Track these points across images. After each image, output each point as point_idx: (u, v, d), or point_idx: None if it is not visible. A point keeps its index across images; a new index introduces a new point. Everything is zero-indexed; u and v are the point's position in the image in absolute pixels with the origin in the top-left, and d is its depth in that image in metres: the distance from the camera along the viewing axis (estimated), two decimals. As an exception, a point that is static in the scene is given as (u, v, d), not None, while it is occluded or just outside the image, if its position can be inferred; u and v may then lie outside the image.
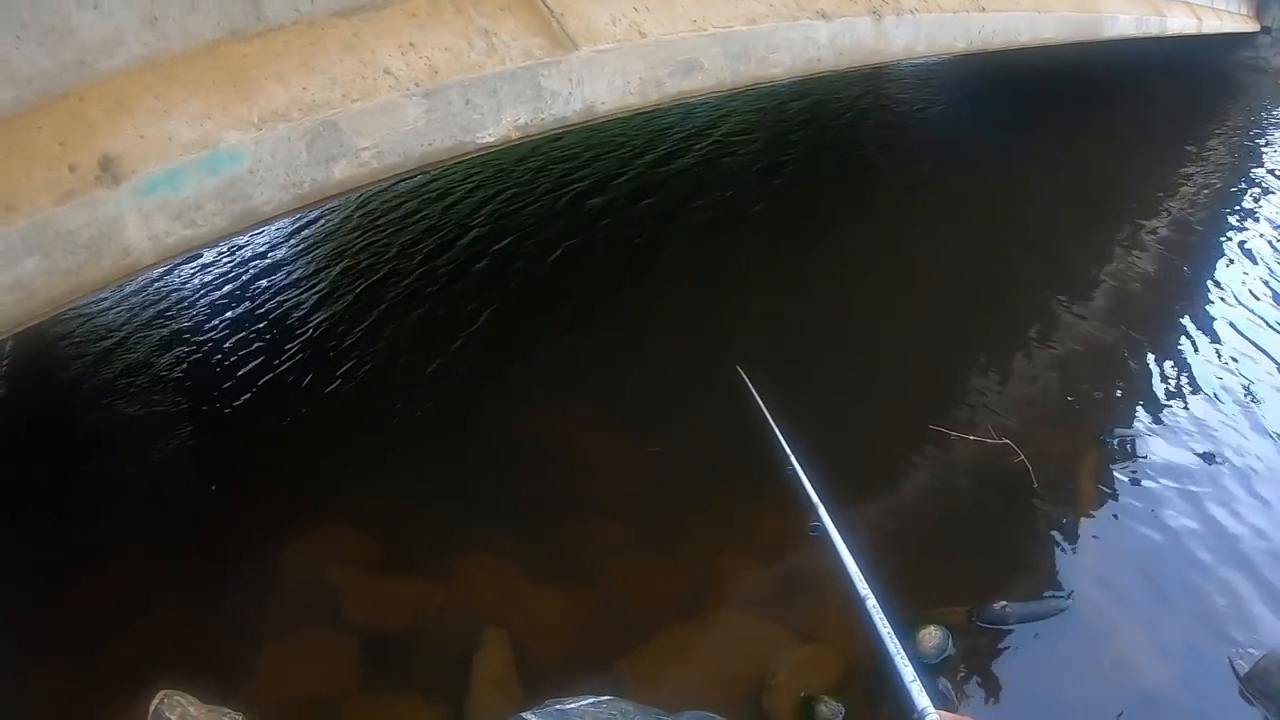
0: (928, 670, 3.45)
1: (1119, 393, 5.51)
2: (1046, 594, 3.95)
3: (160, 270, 5.76)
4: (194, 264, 6.58)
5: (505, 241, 6.90)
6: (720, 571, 3.89)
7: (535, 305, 5.98)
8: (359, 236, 7.18)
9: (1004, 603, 3.81)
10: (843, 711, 3.31)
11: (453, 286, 6.28)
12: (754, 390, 3.63)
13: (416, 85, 2.74)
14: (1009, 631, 3.77)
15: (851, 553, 2.12)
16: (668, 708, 3.09)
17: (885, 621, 1.85)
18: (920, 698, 1.61)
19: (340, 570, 3.67)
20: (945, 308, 6.12)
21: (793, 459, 2.86)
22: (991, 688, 3.57)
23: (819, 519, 2.37)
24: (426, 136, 2.73)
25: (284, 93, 2.63)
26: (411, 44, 2.85)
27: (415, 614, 3.57)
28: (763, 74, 3.74)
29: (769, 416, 3.30)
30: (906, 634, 3.54)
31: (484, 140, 2.83)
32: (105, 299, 5.88)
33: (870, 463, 4.57)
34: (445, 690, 3.28)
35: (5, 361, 5.18)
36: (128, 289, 6.01)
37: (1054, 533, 4.32)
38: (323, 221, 7.36)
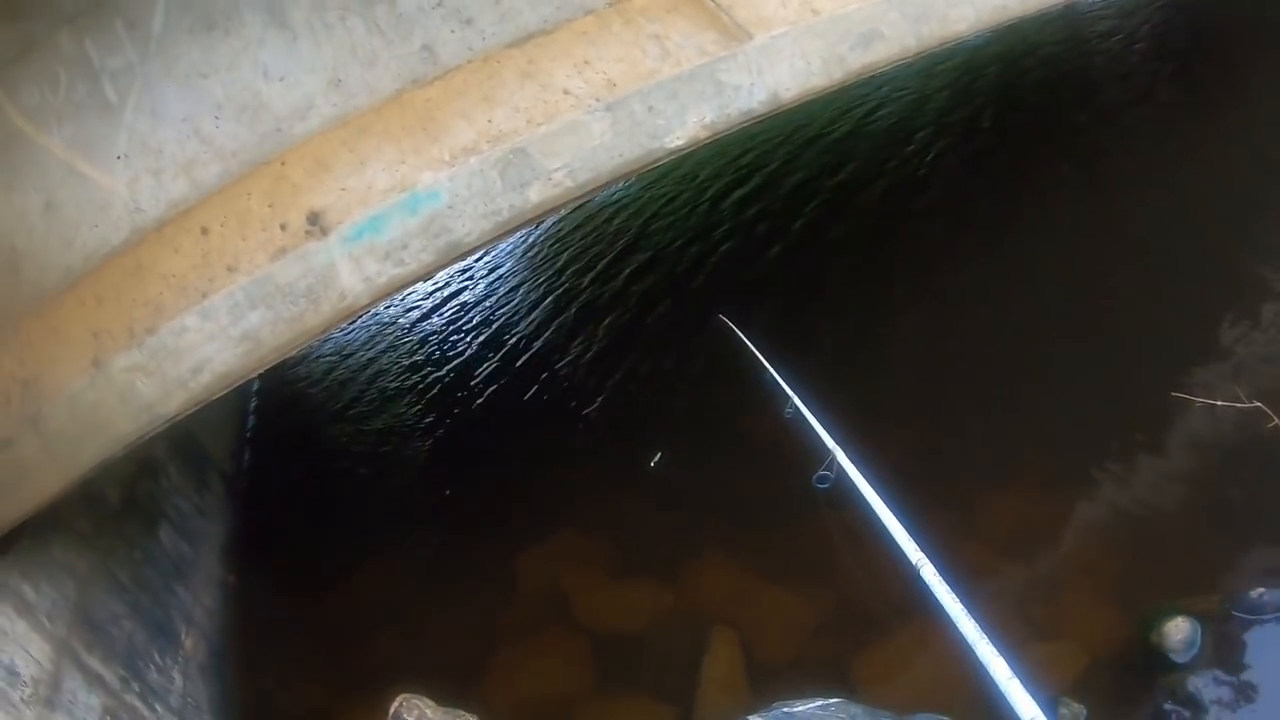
0: (1174, 669, 3.14)
1: None
2: None
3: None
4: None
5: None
6: (953, 567, 3.61)
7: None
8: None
9: (1262, 589, 3.34)
10: (1085, 713, 3.03)
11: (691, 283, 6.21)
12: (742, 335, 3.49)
13: (597, 100, 2.67)
14: (1269, 622, 3.29)
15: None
16: (900, 710, 2.91)
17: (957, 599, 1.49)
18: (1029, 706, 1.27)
19: (573, 576, 3.76)
20: (1177, 265, 5.56)
21: (799, 405, 2.54)
22: (1246, 688, 3.15)
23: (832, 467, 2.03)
24: (615, 149, 2.65)
25: (470, 129, 2.63)
26: (586, 61, 2.79)
27: (646, 616, 3.57)
28: (947, 31, 3.45)
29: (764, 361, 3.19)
30: (1151, 625, 3.24)
31: (673, 144, 2.72)
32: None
33: (1108, 436, 4.17)
34: (674, 691, 3.25)
35: (255, 395, 5.57)
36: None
37: None
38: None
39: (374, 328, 6.62)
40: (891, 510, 2.92)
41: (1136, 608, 3.35)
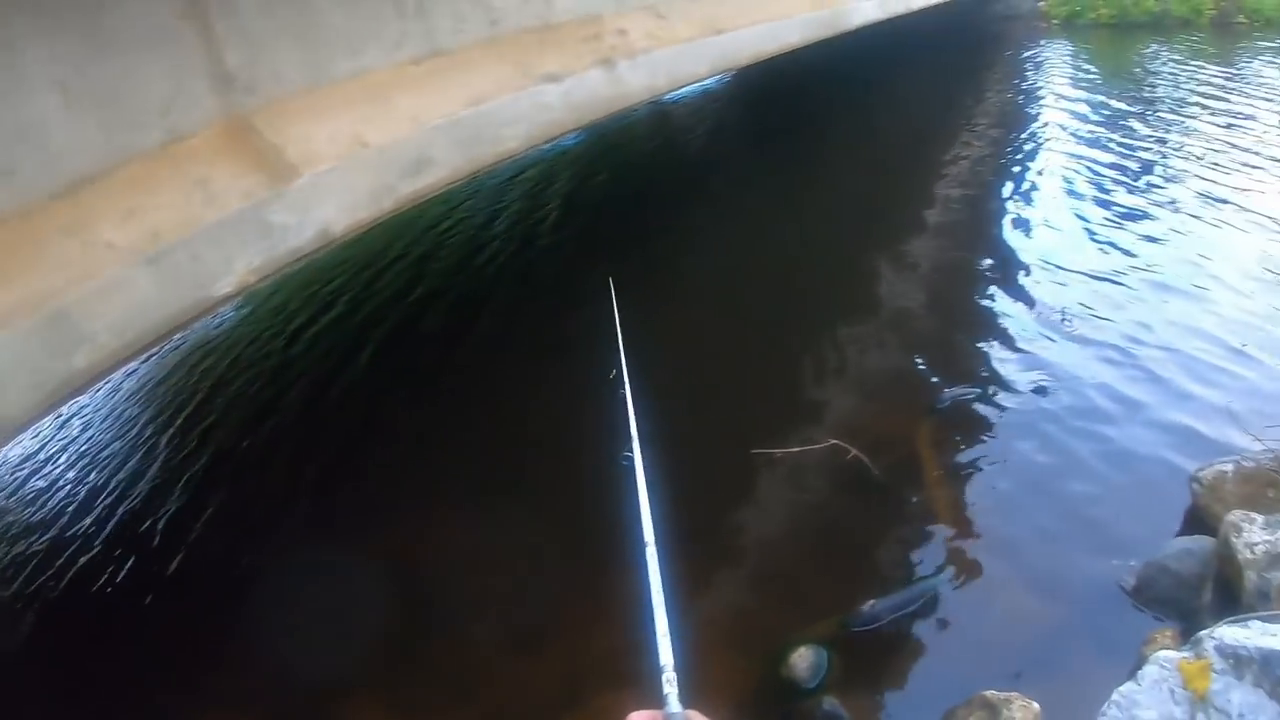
0: (807, 695, 3.50)
1: (937, 363, 5.75)
2: (914, 579, 4.00)
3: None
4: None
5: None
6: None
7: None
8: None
9: (872, 601, 3.83)
10: None
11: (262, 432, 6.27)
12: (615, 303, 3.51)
13: (140, 253, 2.82)
14: (887, 627, 3.79)
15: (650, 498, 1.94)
16: None
17: (658, 570, 1.63)
18: (665, 654, 1.44)
19: None
20: (740, 335, 6.27)
21: (626, 384, 2.71)
22: (882, 689, 3.59)
23: (631, 452, 2.14)
24: (161, 303, 2.81)
25: (8, 294, 2.68)
26: (132, 210, 2.93)
27: None
28: (500, 150, 3.95)
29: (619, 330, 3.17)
30: (779, 661, 3.60)
31: (222, 291, 2.93)
32: None
33: (702, 503, 4.58)
34: None
35: None
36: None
37: (906, 514, 4.44)
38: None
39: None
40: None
41: (765, 650, 3.72)
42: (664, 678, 1.38)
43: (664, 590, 1.58)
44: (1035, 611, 3.77)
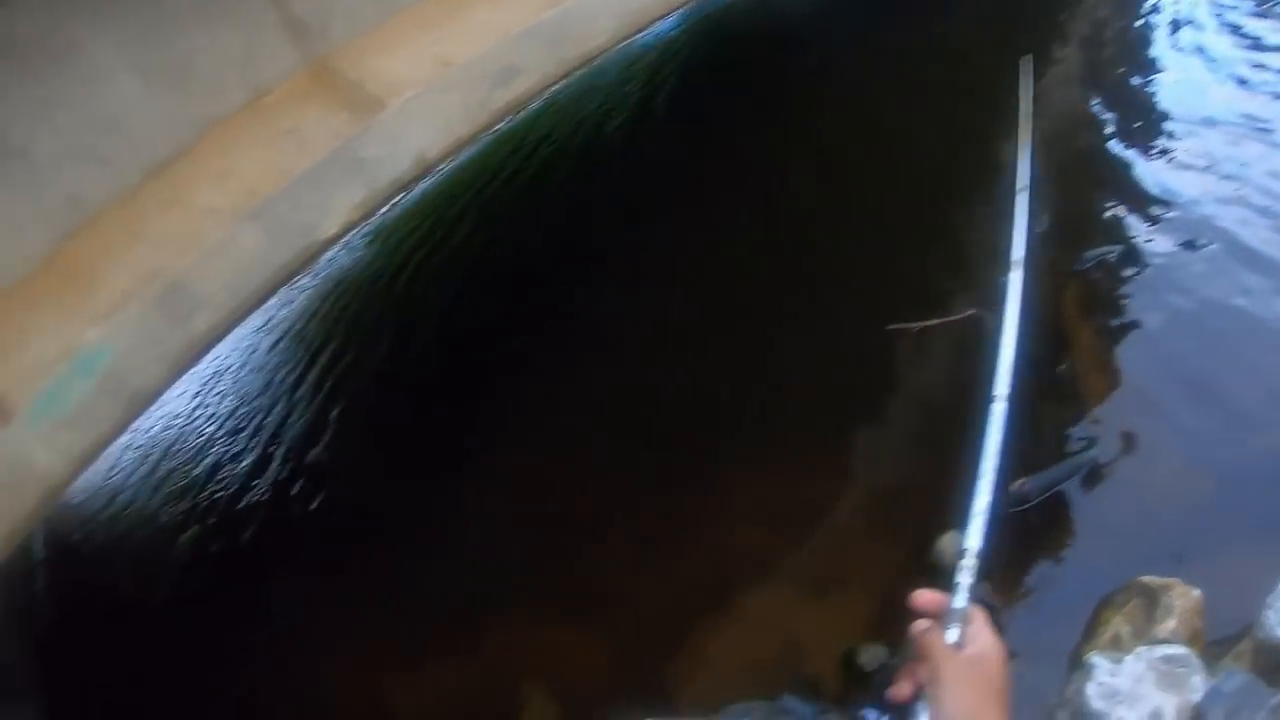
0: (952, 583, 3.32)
1: (1076, 221, 5.08)
2: (1065, 456, 3.68)
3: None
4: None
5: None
6: (730, 552, 3.83)
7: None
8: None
9: (1022, 480, 3.56)
10: (884, 652, 3.14)
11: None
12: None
13: (241, 212, 2.78)
14: (1039, 506, 3.52)
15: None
16: (715, 705, 3.04)
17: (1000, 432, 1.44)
18: (973, 535, 1.31)
19: (379, 677, 3.76)
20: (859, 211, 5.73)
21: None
22: (1033, 573, 3.36)
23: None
24: (270, 255, 2.78)
25: (124, 273, 2.71)
26: (226, 172, 2.89)
27: (459, 699, 3.63)
28: (588, 47, 3.67)
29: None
30: (931, 547, 3.37)
31: (328, 233, 2.87)
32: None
33: (836, 382, 4.39)
34: None
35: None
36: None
37: (1054, 385, 4.03)
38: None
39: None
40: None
41: (913, 537, 3.48)
42: (961, 562, 1.24)
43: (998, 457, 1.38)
44: (1196, 490, 3.43)
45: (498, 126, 3.40)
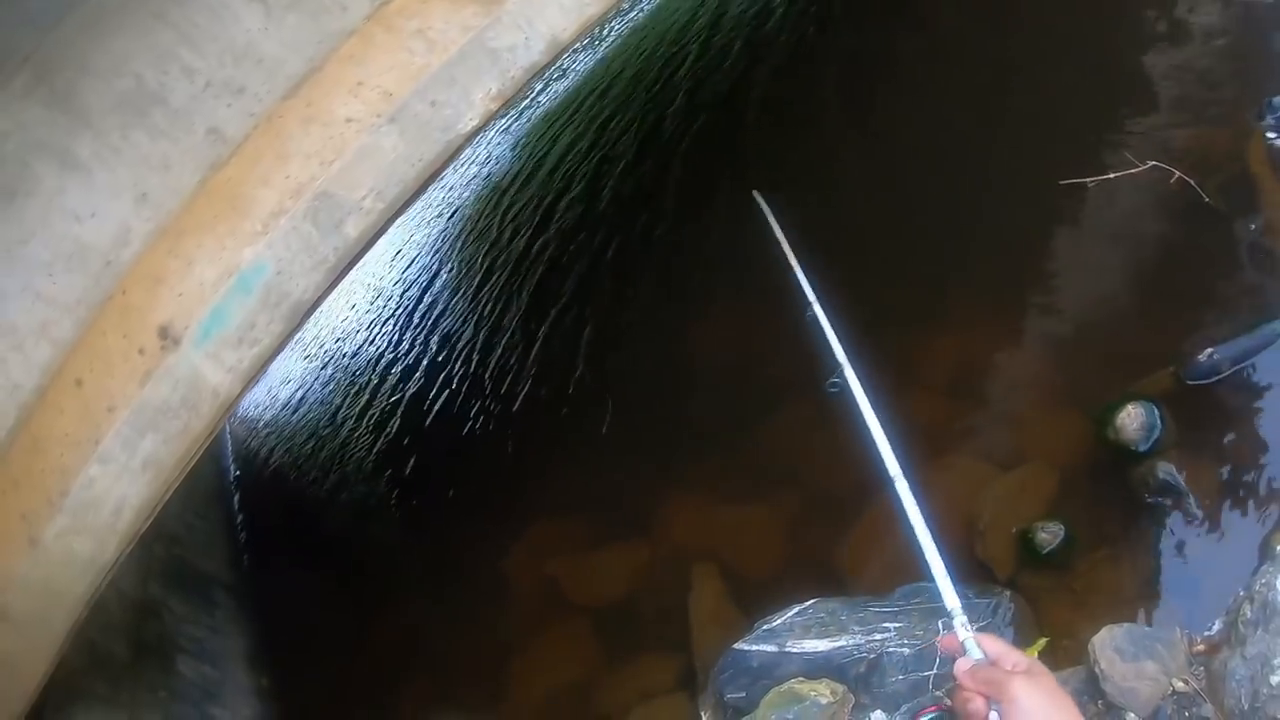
0: (1139, 460, 3.01)
1: (1260, 65, 4.56)
2: (1260, 322, 3.25)
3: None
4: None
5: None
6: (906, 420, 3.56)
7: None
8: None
9: (1210, 349, 3.20)
10: (1062, 531, 2.98)
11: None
12: (772, 218, 3.11)
13: (379, 117, 2.69)
14: (1228, 380, 3.13)
15: (879, 420, 1.74)
16: (880, 589, 2.93)
17: (915, 504, 1.52)
18: (949, 597, 1.35)
19: (556, 561, 3.78)
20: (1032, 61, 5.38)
21: (814, 302, 2.40)
22: (1225, 452, 3.00)
23: (842, 376, 1.94)
24: (412, 155, 2.67)
25: (272, 192, 2.66)
26: (360, 83, 2.80)
27: (629, 577, 3.66)
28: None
29: (787, 250, 2.80)
30: (1106, 421, 3.10)
31: (469, 127, 2.74)
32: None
33: (1009, 243, 4.10)
34: (673, 640, 3.31)
35: (238, 493, 5.69)
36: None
37: (1243, 245, 3.59)
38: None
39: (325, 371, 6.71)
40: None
41: (1091, 409, 3.27)
42: (956, 623, 1.32)
43: (929, 527, 1.47)
44: None
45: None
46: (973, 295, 3.91)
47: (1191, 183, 3.77)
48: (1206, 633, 2.57)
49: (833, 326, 2.20)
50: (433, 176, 2.70)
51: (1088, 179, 4.04)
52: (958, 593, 1.38)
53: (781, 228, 2.95)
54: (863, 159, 5.07)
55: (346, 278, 2.69)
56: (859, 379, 1.85)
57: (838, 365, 2.02)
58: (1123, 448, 3.09)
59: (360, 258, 2.64)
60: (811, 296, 2.43)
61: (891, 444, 1.65)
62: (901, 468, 1.61)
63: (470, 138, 2.75)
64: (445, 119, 2.73)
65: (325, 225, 2.58)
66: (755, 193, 3.34)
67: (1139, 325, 3.54)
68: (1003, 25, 5.60)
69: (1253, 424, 3.04)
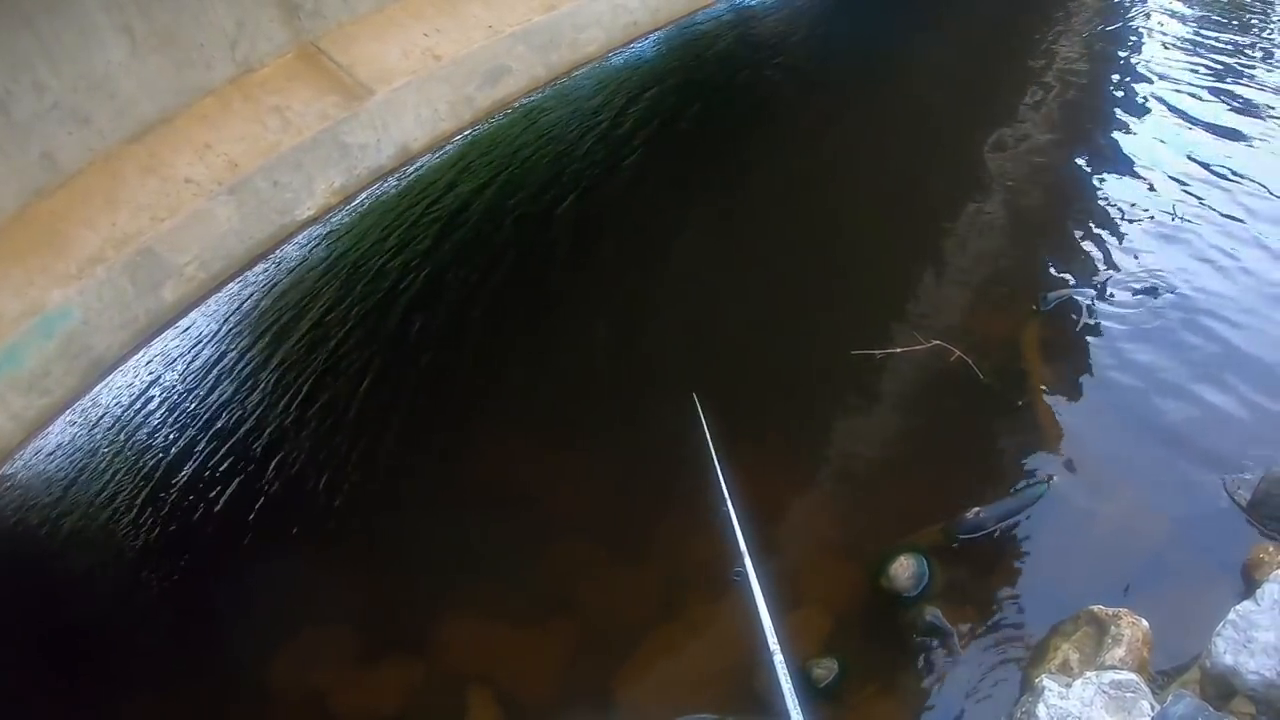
0: (909, 605, 3.38)
1: (1038, 261, 5.25)
2: (1020, 486, 3.77)
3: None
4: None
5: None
6: (680, 575, 3.82)
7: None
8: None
9: (976, 509, 3.64)
10: (837, 668, 3.23)
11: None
12: (704, 419, 3.54)
13: (219, 184, 2.75)
14: (991, 536, 3.60)
15: (768, 604, 1.99)
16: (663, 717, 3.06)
17: (788, 677, 1.74)
18: (794, 713, 1.48)
19: (324, 672, 3.68)
20: (830, 244, 5.80)
21: (728, 500, 2.84)
22: (984, 600, 3.40)
23: (744, 567, 2.20)
24: (244, 231, 2.74)
25: (95, 236, 2.66)
26: (208, 145, 2.86)
27: (403, 695, 3.56)
28: (577, 56, 3.72)
29: (713, 451, 3.30)
30: (880, 571, 3.47)
31: (304, 215, 2.85)
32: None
33: (800, 405, 4.44)
34: None
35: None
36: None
37: (1012, 419, 4.12)
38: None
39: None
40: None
41: (867, 559, 3.57)
42: None
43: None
44: (1145, 524, 3.54)
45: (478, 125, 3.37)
46: (764, 447, 4.19)
47: (970, 361, 4.28)
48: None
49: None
50: (258, 259, 2.77)
51: (875, 351, 4.51)
52: None
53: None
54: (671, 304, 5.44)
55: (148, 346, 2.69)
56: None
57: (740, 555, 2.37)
58: (895, 594, 3.43)
59: (169, 326, 2.66)
60: None
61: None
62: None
63: (304, 226, 2.85)
64: (284, 202, 2.82)
65: (143, 284, 2.60)
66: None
67: (914, 485, 3.91)
68: (805, 199, 6.09)
69: (1013, 574, 3.47)
